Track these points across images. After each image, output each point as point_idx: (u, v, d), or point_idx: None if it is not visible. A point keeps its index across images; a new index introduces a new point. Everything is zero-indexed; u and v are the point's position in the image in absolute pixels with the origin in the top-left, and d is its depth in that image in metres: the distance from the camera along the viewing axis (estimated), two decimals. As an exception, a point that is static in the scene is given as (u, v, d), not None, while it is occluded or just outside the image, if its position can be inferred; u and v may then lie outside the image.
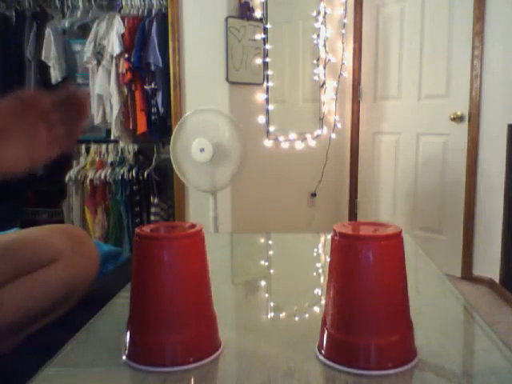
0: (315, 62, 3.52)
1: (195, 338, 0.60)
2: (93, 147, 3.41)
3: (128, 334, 0.60)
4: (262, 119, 3.22)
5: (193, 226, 0.61)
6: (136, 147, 3.38)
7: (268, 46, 3.16)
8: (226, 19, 2.93)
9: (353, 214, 3.94)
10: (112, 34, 3.13)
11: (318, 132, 3.59)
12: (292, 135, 3.40)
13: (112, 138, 3.28)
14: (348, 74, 3.75)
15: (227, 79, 2.98)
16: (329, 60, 3.57)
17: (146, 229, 0.60)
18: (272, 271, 1.09)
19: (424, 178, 3.42)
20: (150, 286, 0.57)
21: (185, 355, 0.59)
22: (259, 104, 3.20)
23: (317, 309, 0.81)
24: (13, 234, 0.83)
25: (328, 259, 1.18)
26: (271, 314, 0.80)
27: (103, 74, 3.19)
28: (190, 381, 0.58)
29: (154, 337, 0.58)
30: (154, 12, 3.16)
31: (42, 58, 3.26)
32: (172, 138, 2.57)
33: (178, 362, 0.58)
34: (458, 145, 3.17)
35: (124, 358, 0.60)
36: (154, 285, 0.57)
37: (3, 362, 0.62)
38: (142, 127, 3.21)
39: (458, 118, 3.15)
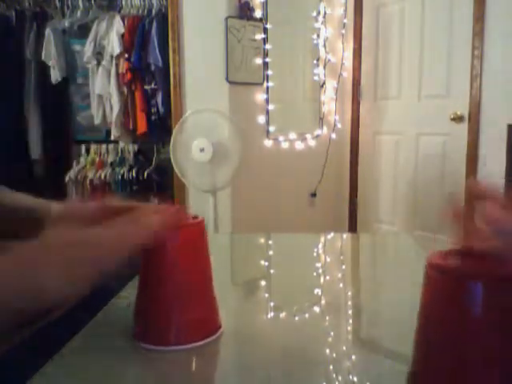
0: (315, 62, 3.52)
1: (200, 319, 0.64)
2: (93, 147, 3.41)
3: (136, 315, 0.64)
4: (262, 119, 3.22)
5: (195, 217, 0.66)
6: (136, 147, 3.38)
7: (268, 46, 3.16)
8: (226, 19, 2.93)
9: (353, 214, 3.93)
10: (112, 34, 3.13)
11: (318, 132, 3.58)
12: (292, 135, 3.40)
13: (112, 138, 3.28)
14: (348, 74, 3.75)
15: (227, 79, 2.98)
16: (329, 60, 3.57)
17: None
18: (272, 271, 1.09)
19: (424, 177, 3.42)
20: (157, 271, 0.62)
21: (189, 335, 0.63)
22: (259, 104, 3.20)
23: (317, 309, 0.81)
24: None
25: (328, 259, 1.18)
26: (271, 314, 0.80)
27: (103, 74, 3.19)
28: (198, 363, 0.59)
29: (160, 318, 0.63)
30: (153, 12, 3.17)
31: (42, 58, 3.26)
32: (172, 138, 2.57)
33: (182, 342, 0.62)
34: (457, 145, 3.17)
35: (133, 338, 0.63)
36: (160, 270, 0.62)
37: (3, 362, 0.62)
38: (142, 127, 3.21)
39: (457, 118, 3.15)
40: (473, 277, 0.42)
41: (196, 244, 0.65)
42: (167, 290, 0.62)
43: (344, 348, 0.67)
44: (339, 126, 3.71)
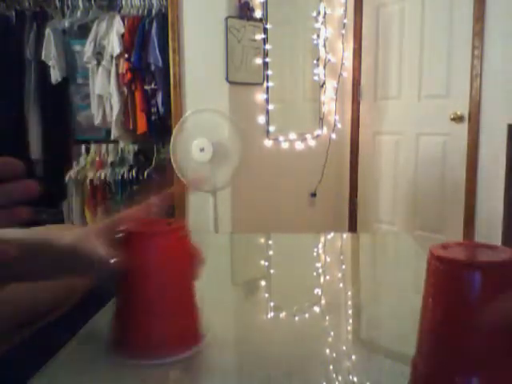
0: (315, 62, 3.52)
1: (181, 330, 0.62)
2: (93, 147, 3.41)
3: (112, 328, 0.62)
4: (262, 119, 3.22)
5: (176, 222, 0.62)
6: (136, 147, 3.38)
7: (268, 46, 3.16)
8: (226, 19, 2.93)
9: (353, 214, 3.93)
10: (112, 34, 3.13)
11: (318, 132, 3.58)
12: (292, 135, 3.40)
13: (112, 138, 3.28)
14: (348, 74, 3.75)
15: (227, 79, 2.98)
16: (329, 60, 3.56)
17: (133, 224, 0.62)
18: (272, 271, 1.09)
19: (424, 177, 3.42)
20: (134, 281, 0.60)
21: (170, 347, 0.61)
22: (259, 104, 3.20)
23: (317, 309, 0.81)
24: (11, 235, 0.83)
25: (328, 259, 1.18)
26: (271, 314, 0.80)
27: (103, 74, 3.19)
28: (198, 363, 0.58)
29: (136, 330, 0.60)
30: (154, 12, 3.16)
31: (42, 57, 3.26)
32: (172, 137, 2.57)
33: (163, 354, 0.60)
34: (457, 145, 3.17)
35: (106, 350, 0.61)
36: (137, 281, 0.60)
37: (3, 362, 0.62)
38: (142, 127, 3.21)
39: (458, 118, 3.15)
40: (471, 266, 0.45)
41: (175, 252, 0.61)
42: (145, 301, 0.60)
43: (344, 348, 0.67)
44: (339, 126, 3.71)
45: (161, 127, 3.20)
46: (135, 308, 0.60)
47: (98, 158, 3.37)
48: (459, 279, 0.45)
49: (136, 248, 0.59)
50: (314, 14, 3.48)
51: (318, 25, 3.49)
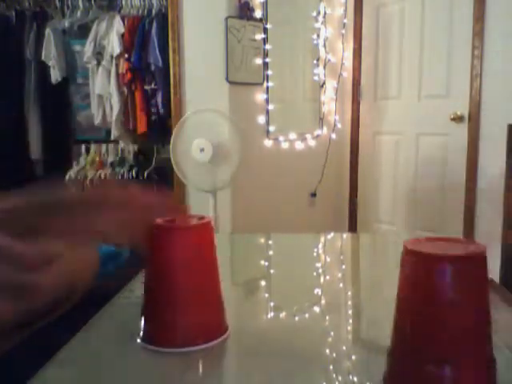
0: (315, 62, 3.52)
1: (206, 321, 0.64)
2: (93, 147, 3.41)
3: (143, 318, 0.64)
4: (262, 119, 3.22)
5: (203, 217, 0.65)
6: (136, 147, 3.38)
7: (268, 46, 3.16)
8: (226, 19, 2.93)
9: (353, 214, 3.93)
10: (112, 34, 3.13)
11: (318, 132, 3.58)
12: (292, 135, 3.40)
13: (112, 138, 3.28)
14: (348, 74, 3.75)
15: (227, 79, 2.98)
16: (329, 60, 3.56)
17: (162, 220, 0.64)
18: (272, 271, 1.09)
19: (424, 177, 3.42)
20: (165, 274, 0.62)
21: (195, 337, 0.63)
22: (259, 104, 3.20)
23: (317, 309, 0.81)
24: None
25: (328, 259, 1.18)
26: (271, 314, 0.80)
27: (103, 74, 3.19)
28: (198, 364, 0.59)
29: (166, 319, 0.62)
30: (153, 12, 3.16)
31: (42, 58, 3.26)
32: (172, 138, 2.57)
33: (188, 344, 0.62)
34: (458, 145, 3.17)
35: (138, 340, 0.62)
36: (168, 272, 0.62)
37: (3, 362, 0.62)
38: (141, 127, 3.21)
39: (458, 118, 3.15)
40: (440, 258, 0.48)
41: (204, 245, 0.64)
42: (174, 292, 0.62)
43: (344, 348, 0.67)
44: (339, 126, 3.71)
45: (161, 127, 3.20)
46: (161, 301, 0.62)
47: (98, 158, 3.37)
48: (429, 271, 0.48)
49: (164, 242, 0.61)
50: (314, 13, 3.48)
51: (318, 25, 3.49)
